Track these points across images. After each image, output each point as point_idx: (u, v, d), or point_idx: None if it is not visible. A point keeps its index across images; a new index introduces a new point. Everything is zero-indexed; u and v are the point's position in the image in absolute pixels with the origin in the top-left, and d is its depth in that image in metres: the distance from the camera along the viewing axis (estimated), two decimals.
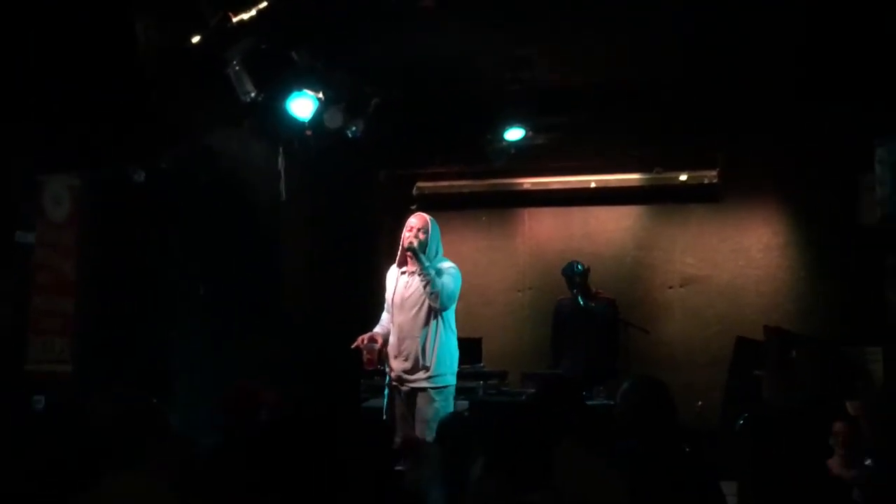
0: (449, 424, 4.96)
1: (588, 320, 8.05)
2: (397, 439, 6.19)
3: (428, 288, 6.09)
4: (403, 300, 6.26)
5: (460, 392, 6.57)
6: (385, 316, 6.43)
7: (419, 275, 6.15)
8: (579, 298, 7.99)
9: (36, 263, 5.64)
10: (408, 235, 6.23)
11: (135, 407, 3.32)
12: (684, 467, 3.80)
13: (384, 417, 6.26)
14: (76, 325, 5.83)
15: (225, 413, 4.73)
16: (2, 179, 5.41)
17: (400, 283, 6.32)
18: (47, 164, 5.54)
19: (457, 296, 6.26)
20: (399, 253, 6.34)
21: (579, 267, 8.14)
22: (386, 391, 6.33)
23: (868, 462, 4.83)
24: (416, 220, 6.29)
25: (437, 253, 6.30)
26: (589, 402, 6.99)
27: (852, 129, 7.44)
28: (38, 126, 5.22)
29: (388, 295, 6.40)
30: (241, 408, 4.66)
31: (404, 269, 6.32)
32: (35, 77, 5.10)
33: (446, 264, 6.28)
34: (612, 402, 6.97)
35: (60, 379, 5.70)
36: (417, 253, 6.14)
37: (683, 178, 9.05)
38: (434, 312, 6.17)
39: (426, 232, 6.24)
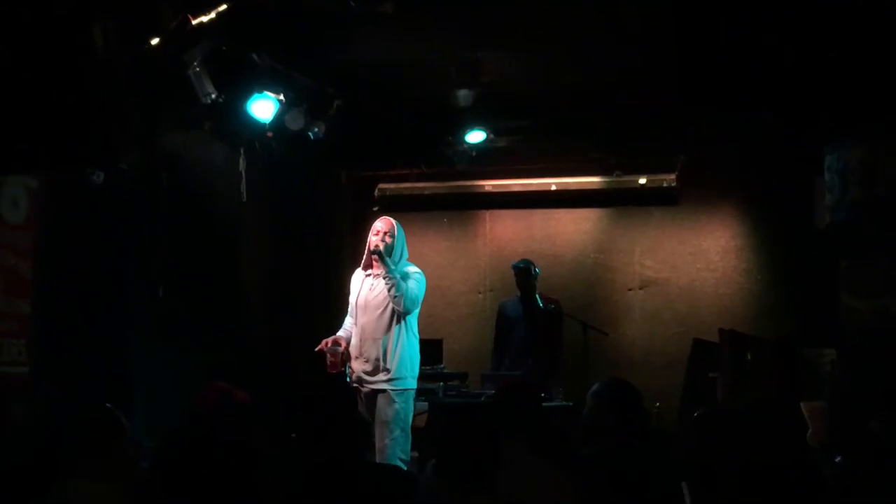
0: None
1: (534, 322, 8.09)
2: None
3: (392, 291, 6.12)
4: (367, 302, 6.28)
5: (420, 393, 6.60)
6: (348, 320, 6.46)
7: (384, 278, 6.18)
8: (538, 300, 8.04)
9: None
10: (374, 239, 6.25)
11: (90, 412, 3.31)
12: (646, 470, 3.84)
13: None
14: (33, 327, 5.78)
15: (198, 411, 4.71)
16: None
17: (364, 285, 6.35)
18: (4, 165, 5.49)
19: (420, 300, 6.30)
20: (365, 256, 6.36)
21: (536, 270, 8.19)
22: None
23: (838, 459, 4.90)
24: (382, 224, 6.32)
25: (402, 256, 6.34)
26: (548, 404, 7.07)
27: (807, 135, 7.54)
28: None
29: (353, 297, 6.42)
30: (214, 407, 4.64)
31: (369, 271, 6.34)
32: None
33: (412, 269, 6.33)
34: (570, 404, 7.10)
35: (17, 381, 5.64)
36: (383, 256, 6.18)
37: (643, 181, 9.13)
38: (397, 316, 6.20)
39: (393, 236, 6.28)
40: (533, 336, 8.09)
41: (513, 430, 3.84)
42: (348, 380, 6.29)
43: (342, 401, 4.18)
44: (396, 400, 6.10)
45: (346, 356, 6.29)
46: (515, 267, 8.30)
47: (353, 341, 6.31)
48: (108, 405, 3.37)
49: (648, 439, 4.04)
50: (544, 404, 7.01)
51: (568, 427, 6.57)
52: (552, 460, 3.67)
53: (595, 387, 4.09)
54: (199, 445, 3.28)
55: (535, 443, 3.77)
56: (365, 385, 6.19)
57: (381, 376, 6.17)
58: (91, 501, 3.06)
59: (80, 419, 3.30)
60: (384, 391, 6.13)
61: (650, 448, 4.02)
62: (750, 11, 6.04)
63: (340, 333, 6.39)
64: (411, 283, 6.21)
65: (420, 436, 6.57)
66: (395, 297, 6.13)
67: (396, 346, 6.18)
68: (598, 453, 3.89)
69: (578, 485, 3.62)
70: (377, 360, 6.17)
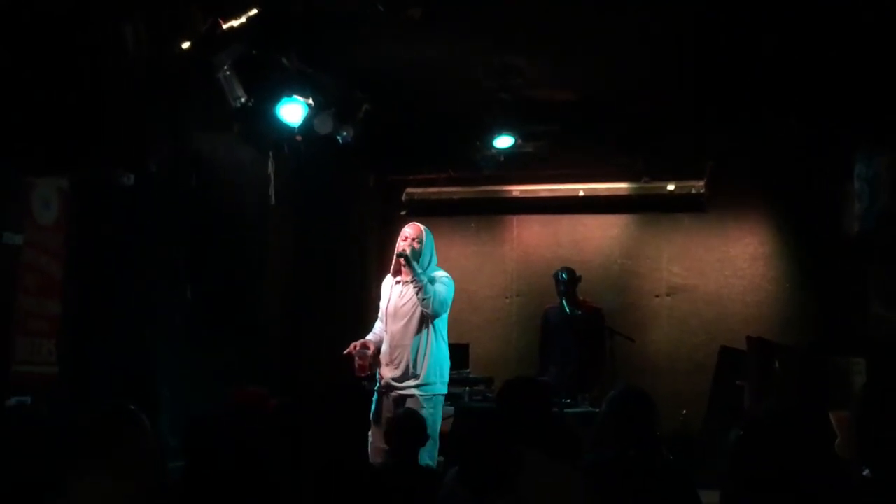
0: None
1: (573, 329, 8.06)
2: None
3: (420, 294, 6.12)
4: (397, 310, 6.29)
5: (446, 398, 6.59)
6: (378, 324, 6.47)
7: (412, 282, 6.18)
8: (564, 305, 8.01)
9: (23, 265, 5.65)
10: (402, 245, 6.26)
11: (110, 411, 3.31)
12: (659, 478, 3.82)
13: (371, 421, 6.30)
14: (63, 326, 5.83)
15: (232, 415, 4.71)
16: None
17: (394, 292, 6.35)
18: (36, 166, 5.55)
19: (449, 303, 6.29)
20: (393, 262, 6.37)
21: (563, 275, 8.14)
22: (375, 396, 6.36)
23: (866, 472, 4.84)
24: (410, 230, 6.33)
25: (430, 262, 6.34)
26: (573, 410, 7.06)
27: (837, 142, 7.50)
28: (27, 128, 5.22)
29: (383, 304, 6.43)
30: (248, 411, 4.65)
31: (399, 278, 6.35)
32: (23, 80, 5.11)
33: (440, 273, 6.32)
34: (596, 410, 7.06)
35: (47, 381, 5.69)
36: (409, 260, 6.18)
37: (671, 187, 9.10)
38: (426, 321, 6.20)
39: (421, 241, 6.28)
40: (576, 343, 8.05)
41: (515, 430, 3.78)
42: (377, 385, 6.31)
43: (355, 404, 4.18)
44: (425, 406, 6.09)
45: (374, 360, 6.30)
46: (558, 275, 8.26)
47: (384, 348, 6.32)
48: (128, 404, 3.37)
49: (655, 447, 4.02)
50: (569, 410, 7.06)
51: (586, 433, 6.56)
52: (567, 465, 3.65)
53: (610, 393, 4.09)
54: (233, 448, 3.30)
55: (542, 445, 3.72)
56: (394, 390, 6.20)
57: (411, 382, 6.17)
58: (106, 500, 3.07)
59: (100, 418, 3.30)
60: (413, 396, 6.13)
61: (655, 455, 4.00)
62: (782, 18, 6.01)
63: (369, 337, 6.40)
64: (439, 287, 6.21)
65: (447, 440, 6.57)
66: (424, 299, 6.12)
67: (426, 352, 6.18)
68: (604, 459, 3.88)
69: (588, 489, 3.60)
70: (407, 366, 6.17)
